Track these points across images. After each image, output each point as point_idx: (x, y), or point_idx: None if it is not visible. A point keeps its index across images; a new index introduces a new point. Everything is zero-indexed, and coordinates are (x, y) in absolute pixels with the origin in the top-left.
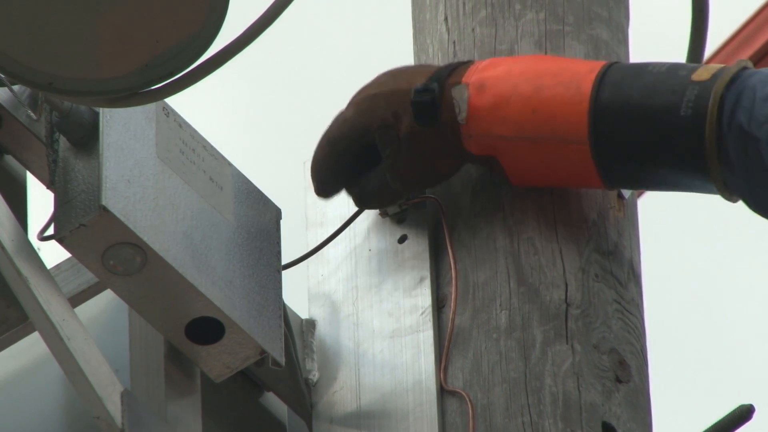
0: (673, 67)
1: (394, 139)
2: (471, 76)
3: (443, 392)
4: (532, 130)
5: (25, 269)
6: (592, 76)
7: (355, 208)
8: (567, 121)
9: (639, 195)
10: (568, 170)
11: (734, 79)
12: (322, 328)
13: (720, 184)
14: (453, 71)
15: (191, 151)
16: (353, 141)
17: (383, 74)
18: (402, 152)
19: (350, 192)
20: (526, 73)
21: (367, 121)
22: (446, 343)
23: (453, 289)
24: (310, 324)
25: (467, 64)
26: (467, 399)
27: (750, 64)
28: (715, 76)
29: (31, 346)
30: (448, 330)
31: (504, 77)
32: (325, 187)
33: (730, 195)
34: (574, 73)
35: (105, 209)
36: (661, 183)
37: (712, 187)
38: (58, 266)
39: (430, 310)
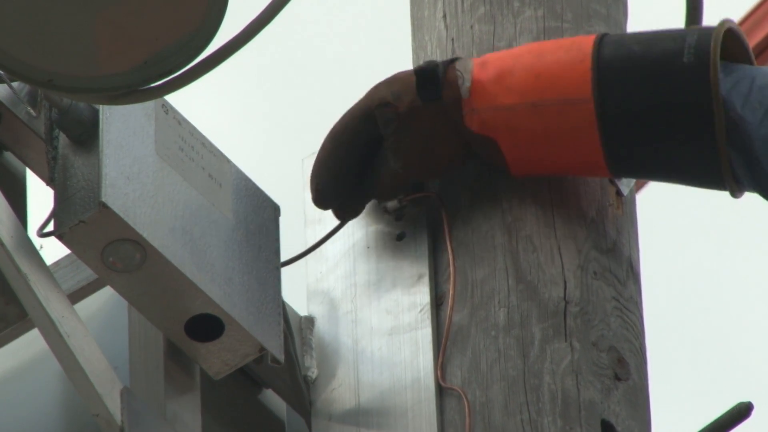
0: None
1: (394, 117)
2: (470, 61)
3: (441, 389)
4: (535, 95)
5: (25, 266)
6: (592, 38)
7: None
8: (570, 81)
9: (637, 190)
10: (571, 145)
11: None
12: (321, 326)
13: (725, 149)
14: (456, 58)
15: (190, 148)
16: (355, 131)
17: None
18: (403, 129)
19: (347, 204)
20: (528, 47)
21: (367, 104)
22: (443, 341)
23: (451, 287)
24: (309, 321)
25: (465, 57)
26: (464, 396)
27: (734, 23)
28: (711, 27)
29: (30, 343)
30: (446, 327)
31: (505, 55)
32: (322, 194)
33: (734, 171)
34: (574, 40)
35: (104, 206)
36: (665, 161)
37: (718, 160)
38: (57, 263)
39: (428, 307)
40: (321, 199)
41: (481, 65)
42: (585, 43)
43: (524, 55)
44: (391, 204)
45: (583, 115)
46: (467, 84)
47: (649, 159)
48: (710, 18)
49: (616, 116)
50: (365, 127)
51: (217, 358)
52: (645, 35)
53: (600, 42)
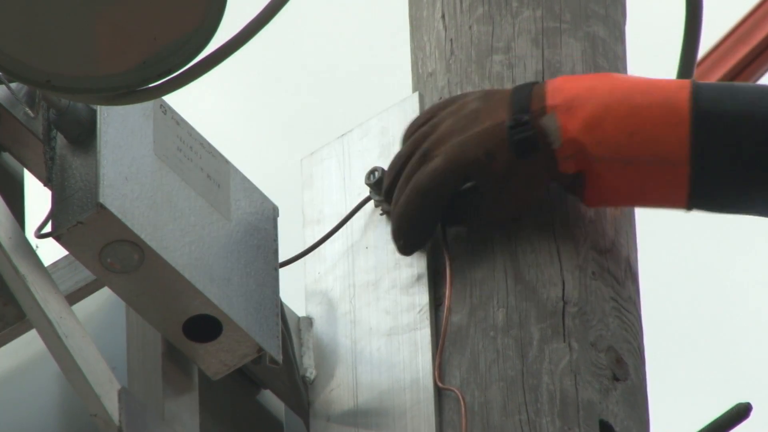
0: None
1: (492, 178)
2: (554, 98)
3: (440, 390)
4: (629, 153)
5: (23, 266)
6: (686, 93)
7: (353, 205)
8: (667, 144)
9: None
10: (656, 192)
11: None
12: (319, 326)
13: None
14: (530, 96)
15: (188, 149)
16: (446, 190)
17: (448, 112)
18: (503, 188)
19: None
20: (614, 91)
21: (460, 167)
22: (441, 341)
23: (447, 287)
24: (307, 322)
25: (538, 85)
26: (460, 397)
27: None
28: None
29: (28, 344)
30: (443, 328)
31: (589, 96)
32: (410, 245)
33: None
34: (663, 91)
35: (102, 207)
36: (749, 204)
37: None
38: (55, 264)
39: (427, 308)
40: (408, 253)
41: (567, 113)
42: (678, 99)
43: (612, 105)
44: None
45: (675, 177)
46: (558, 142)
47: (732, 203)
48: (710, 19)
49: (710, 177)
50: (454, 183)
51: (215, 359)
52: (742, 91)
53: (695, 99)
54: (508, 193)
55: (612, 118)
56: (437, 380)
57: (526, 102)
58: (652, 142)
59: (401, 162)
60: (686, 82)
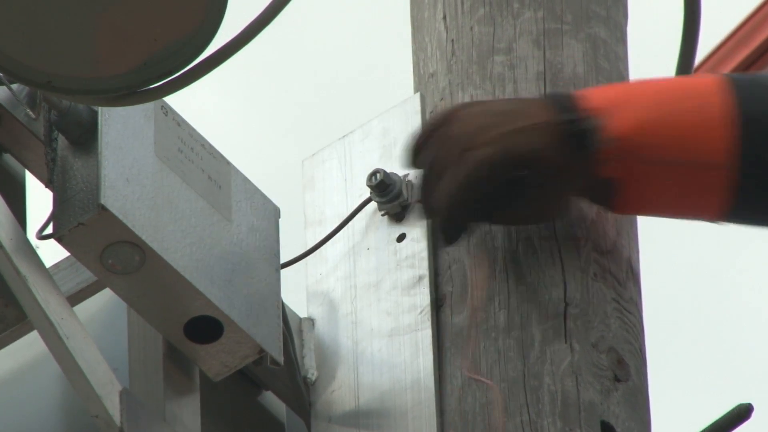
0: None
1: (545, 169)
2: (597, 102)
3: (442, 390)
4: (672, 157)
5: (24, 268)
6: (727, 94)
7: (354, 207)
8: (710, 146)
9: None
10: (694, 198)
11: None
12: (321, 327)
13: None
14: (571, 99)
15: (190, 150)
16: (498, 177)
17: (470, 113)
18: (550, 186)
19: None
20: (656, 95)
21: (513, 155)
22: (471, 332)
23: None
24: (309, 323)
25: (572, 93)
26: (492, 387)
27: None
28: None
29: (29, 345)
30: (472, 314)
31: (632, 99)
32: (453, 234)
33: None
34: (702, 91)
35: (104, 208)
36: None
37: None
38: (56, 265)
39: (428, 309)
40: (453, 242)
41: (607, 117)
42: (720, 101)
43: (652, 109)
44: (393, 207)
45: (717, 180)
46: (605, 142)
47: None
48: (710, 20)
49: (758, 181)
50: (505, 171)
51: (217, 360)
52: None
53: (739, 100)
54: (547, 193)
55: (652, 122)
56: (467, 370)
57: (569, 104)
58: (696, 145)
59: (433, 157)
60: (722, 79)
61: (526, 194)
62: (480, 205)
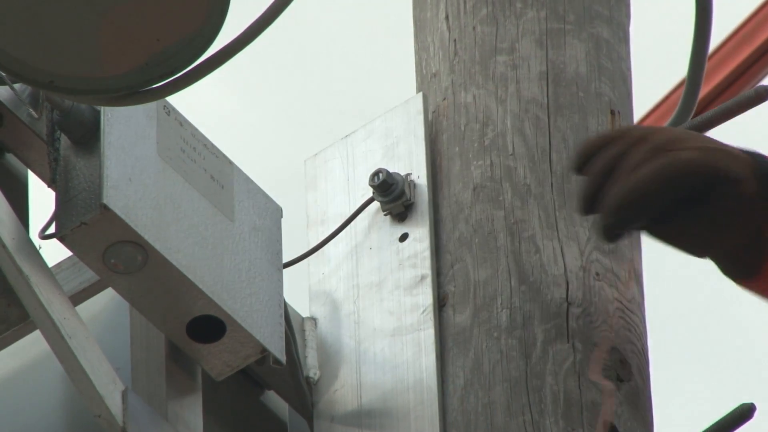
0: None
1: (735, 198)
2: None
3: (444, 390)
4: None
5: (26, 267)
6: None
7: (357, 206)
8: None
9: None
10: None
11: None
12: (323, 327)
13: None
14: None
15: (192, 150)
16: (690, 182)
17: (677, 129)
18: (727, 214)
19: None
20: None
21: (714, 166)
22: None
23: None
24: (311, 322)
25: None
26: (612, 388)
27: None
28: None
29: (32, 345)
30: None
31: None
32: (616, 233)
33: None
34: None
35: (106, 208)
36: None
37: None
38: (59, 264)
39: (431, 308)
40: (614, 238)
41: None
42: None
43: None
44: (396, 206)
45: None
46: None
47: None
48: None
49: None
50: (700, 179)
51: (219, 360)
52: None
53: None
54: (719, 221)
55: None
56: (589, 372)
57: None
58: None
59: (619, 155)
60: None
61: (699, 214)
62: (652, 210)
